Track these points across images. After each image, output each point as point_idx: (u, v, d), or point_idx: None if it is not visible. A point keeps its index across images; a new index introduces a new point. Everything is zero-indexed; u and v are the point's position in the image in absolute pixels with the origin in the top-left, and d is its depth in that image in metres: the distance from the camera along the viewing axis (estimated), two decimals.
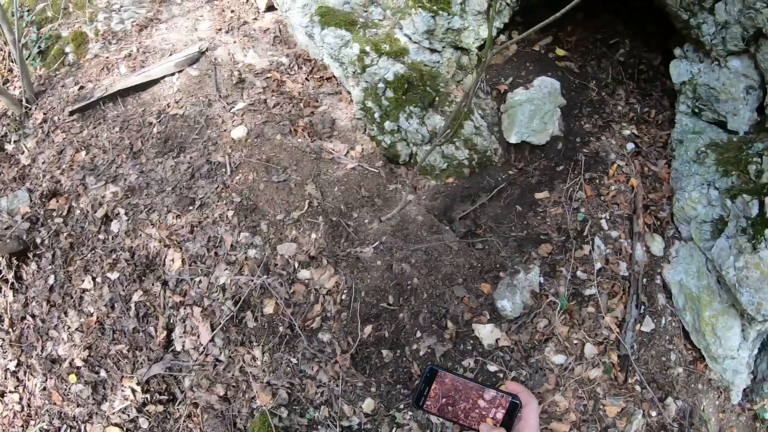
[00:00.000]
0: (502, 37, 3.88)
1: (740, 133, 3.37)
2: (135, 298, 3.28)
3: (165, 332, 3.17)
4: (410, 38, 3.56)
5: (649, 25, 3.96)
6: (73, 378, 3.19)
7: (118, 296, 3.31)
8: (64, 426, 3.22)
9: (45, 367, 3.27)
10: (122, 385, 3.12)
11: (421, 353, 3.07)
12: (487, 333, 3.16)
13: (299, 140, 3.66)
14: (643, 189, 3.55)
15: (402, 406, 2.98)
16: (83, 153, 3.78)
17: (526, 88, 3.65)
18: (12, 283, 3.50)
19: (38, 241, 3.57)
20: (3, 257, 3.50)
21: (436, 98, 3.58)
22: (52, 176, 3.74)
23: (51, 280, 3.46)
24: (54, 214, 3.62)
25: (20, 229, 3.57)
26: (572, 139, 3.71)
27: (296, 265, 3.20)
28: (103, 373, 3.19)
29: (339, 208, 3.40)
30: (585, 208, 3.49)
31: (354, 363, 3.03)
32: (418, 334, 3.09)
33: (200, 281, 3.23)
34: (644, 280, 3.38)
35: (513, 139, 3.64)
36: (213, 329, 3.09)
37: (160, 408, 3.10)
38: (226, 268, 3.22)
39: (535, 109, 3.59)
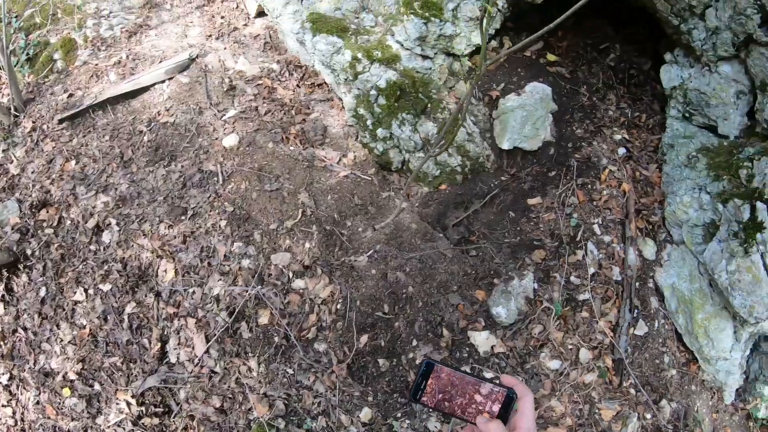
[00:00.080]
0: (494, 43, 3.88)
1: (731, 137, 3.40)
2: (128, 309, 3.26)
3: (159, 344, 3.15)
4: (402, 45, 3.56)
5: (639, 30, 3.98)
6: (66, 391, 3.16)
7: (111, 308, 3.28)
8: None
9: (38, 381, 3.24)
10: (117, 398, 3.10)
11: (418, 362, 3.08)
12: (482, 340, 3.16)
13: (291, 148, 3.65)
14: (634, 193, 3.57)
15: (399, 415, 2.98)
16: (73, 162, 3.75)
17: (518, 94, 3.66)
18: (2, 296, 3.47)
19: (29, 252, 3.53)
20: None
21: (429, 105, 3.57)
22: (42, 186, 3.70)
23: (42, 292, 3.42)
24: (44, 224, 3.58)
25: (10, 240, 3.53)
26: (564, 144, 3.72)
27: (290, 274, 3.19)
28: (97, 386, 3.16)
29: (332, 216, 3.40)
30: (578, 214, 3.51)
31: (350, 372, 3.02)
32: (414, 343, 3.09)
33: (194, 292, 3.21)
34: (637, 284, 3.40)
35: (505, 145, 3.65)
36: (208, 340, 3.08)
37: (156, 421, 3.08)
38: (220, 279, 3.21)
39: (527, 115, 3.60)
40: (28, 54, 4.37)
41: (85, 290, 3.37)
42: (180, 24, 4.39)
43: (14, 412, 3.28)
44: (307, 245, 3.26)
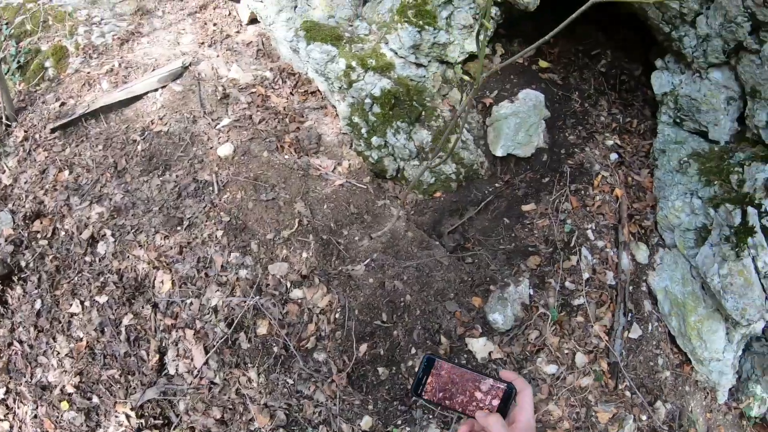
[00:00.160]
0: (487, 50, 3.91)
1: (721, 142, 3.45)
2: (125, 321, 3.25)
3: (157, 356, 3.14)
4: (396, 53, 3.57)
5: (630, 36, 4.02)
6: (65, 405, 3.14)
7: (108, 320, 3.27)
8: None
9: (35, 395, 3.22)
10: (116, 411, 3.09)
11: (417, 369, 3.10)
12: (480, 346, 3.19)
13: (286, 157, 3.65)
14: (627, 199, 3.62)
15: (400, 422, 3.01)
16: (66, 172, 3.72)
17: (511, 101, 3.69)
18: None
19: (23, 264, 3.51)
20: None
21: (423, 113, 3.59)
22: (35, 197, 3.67)
23: (38, 305, 3.40)
24: (38, 236, 3.56)
25: (4, 252, 3.50)
26: (557, 150, 3.76)
27: (288, 284, 3.20)
28: (95, 399, 3.15)
29: (329, 225, 3.41)
30: (571, 219, 3.55)
31: (350, 381, 3.04)
32: (413, 351, 3.11)
33: (191, 303, 3.21)
34: (630, 287, 3.45)
35: (499, 152, 3.68)
36: (207, 352, 3.08)
37: None
38: (218, 290, 3.21)
39: (520, 122, 3.63)
40: (19, 62, 4.33)
41: (81, 302, 3.35)
42: (172, 31, 4.37)
43: (12, 427, 3.26)
44: (305, 255, 3.27)
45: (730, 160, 3.31)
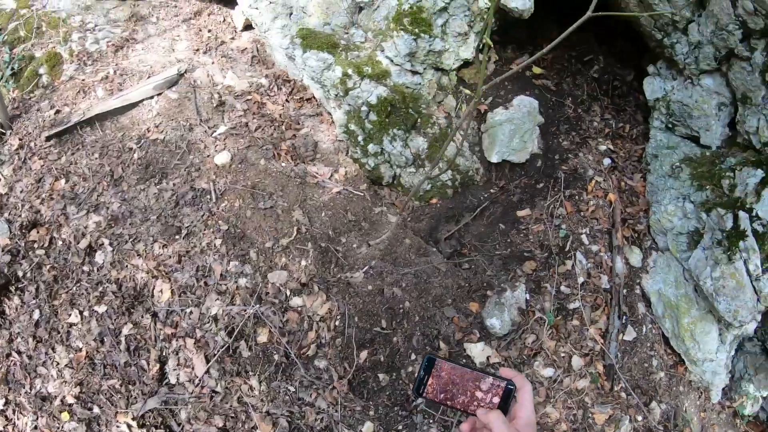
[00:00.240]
0: (480, 57, 3.94)
1: (713, 147, 3.51)
2: (125, 331, 3.25)
3: (158, 365, 3.15)
4: (392, 60, 3.60)
5: (622, 42, 4.07)
6: (65, 416, 3.15)
7: (107, 330, 3.27)
8: None
9: (35, 405, 3.22)
10: (117, 421, 3.10)
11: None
12: (478, 351, 3.23)
13: (283, 164, 3.67)
14: (620, 203, 3.67)
15: (401, 428, 3.04)
16: (63, 181, 3.71)
17: (505, 107, 3.73)
18: None
19: (20, 274, 3.50)
20: None
21: (419, 120, 3.62)
22: (32, 206, 3.66)
23: (36, 315, 3.40)
24: (35, 245, 3.55)
25: (1, 262, 3.49)
26: (551, 156, 3.81)
27: (288, 293, 3.22)
28: (96, 410, 3.16)
29: (327, 233, 3.43)
30: (566, 224, 3.59)
31: (351, 388, 3.07)
32: (413, 357, 3.15)
33: (191, 312, 3.22)
34: (624, 291, 3.50)
35: (494, 159, 3.71)
36: (208, 360, 3.09)
37: None
38: (217, 298, 3.22)
39: (514, 129, 3.67)
40: (13, 68, 4.31)
41: (80, 312, 3.35)
42: (167, 38, 4.36)
43: None
44: (303, 263, 3.29)
45: (721, 165, 3.37)
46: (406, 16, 3.48)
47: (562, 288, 3.45)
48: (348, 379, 3.06)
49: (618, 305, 3.44)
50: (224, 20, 4.46)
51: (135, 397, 3.14)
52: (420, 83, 3.65)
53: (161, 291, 3.30)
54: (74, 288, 3.41)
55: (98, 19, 4.43)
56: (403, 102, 3.57)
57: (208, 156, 3.66)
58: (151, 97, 3.95)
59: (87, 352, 3.26)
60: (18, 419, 3.24)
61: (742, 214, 3.10)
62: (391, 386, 3.12)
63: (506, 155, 3.71)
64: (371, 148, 3.61)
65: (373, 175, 3.72)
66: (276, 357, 3.11)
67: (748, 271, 3.07)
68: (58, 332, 3.35)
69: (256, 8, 3.88)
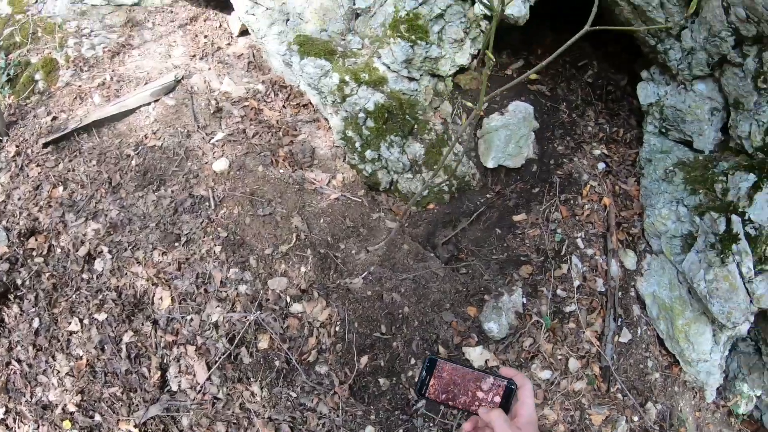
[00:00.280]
0: (474, 62, 3.97)
1: (706, 152, 3.56)
2: (125, 338, 3.26)
3: (159, 372, 3.17)
4: (389, 67, 3.62)
5: (616, 47, 4.12)
6: (67, 424, 3.16)
7: (108, 338, 3.29)
8: None
9: (36, 414, 3.23)
10: (119, 429, 3.12)
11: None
12: (477, 355, 3.27)
13: (281, 171, 3.69)
14: (615, 207, 3.72)
15: (401, 431, 3.08)
16: (60, 188, 3.72)
17: (501, 113, 3.76)
18: None
19: (19, 282, 3.50)
20: None
21: (415, 126, 3.65)
22: (30, 213, 3.66)
23: (35, 323, 3.40)
24: (34, 253, 3.55)
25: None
26: (546, 161, 3.85)
27: (288, 299, 3.24)
28: (98, 418, 3.17)
29: (326, 239, 3.46)
30: (561, 229, 3.64)
31: (352, 393, 3.10)
32: (413, 361, 3.18)
33: (192, 319, 3.24)
34: (620, 293, 3.55)
35: (490, 164, 3.75)
36: (209, 367, 3.12)
37: None
38: (218, 305, 3.24)
39: (510, 134, 3.71)
40: (8, 74, 4.29)
41: (80, 320, 3.36)
42: (163, 43, 4.37)
43: None
44: (303, 269, 3.31)
45: (714, 169, 3.42)
46: (402, 22, 3.51)
47: (558, 291, 3.50)
48: (349, 384, 3.09)
49: (613, 308, 3.49)
50: (220, 26, 4.47)
51: (137, 405, 3.16)
52: (417, 89, 3.68)
53: (161, 298, 3.32)
54: (74, 296, 3.42)
55: (94, 25, 4.42)
56: (400, 108, 3.60)
57: (206, 163, 3.67)
58: (149, 104, 3.95)
59: (88, 360, 3.27)
60: (19, 428, 3.25)
61: (734, 217, 3.15)
62: (392, 390, 3.16)
63: (502, 160, 3.75)
64: (368, 154, 3.64)
65: (370, 181, 3.75)
66: (277, 363, 3.14)
67: (741, 273, 3.12)
68: (58, 340, 3.35)
69: (253, 14, 3.89)
